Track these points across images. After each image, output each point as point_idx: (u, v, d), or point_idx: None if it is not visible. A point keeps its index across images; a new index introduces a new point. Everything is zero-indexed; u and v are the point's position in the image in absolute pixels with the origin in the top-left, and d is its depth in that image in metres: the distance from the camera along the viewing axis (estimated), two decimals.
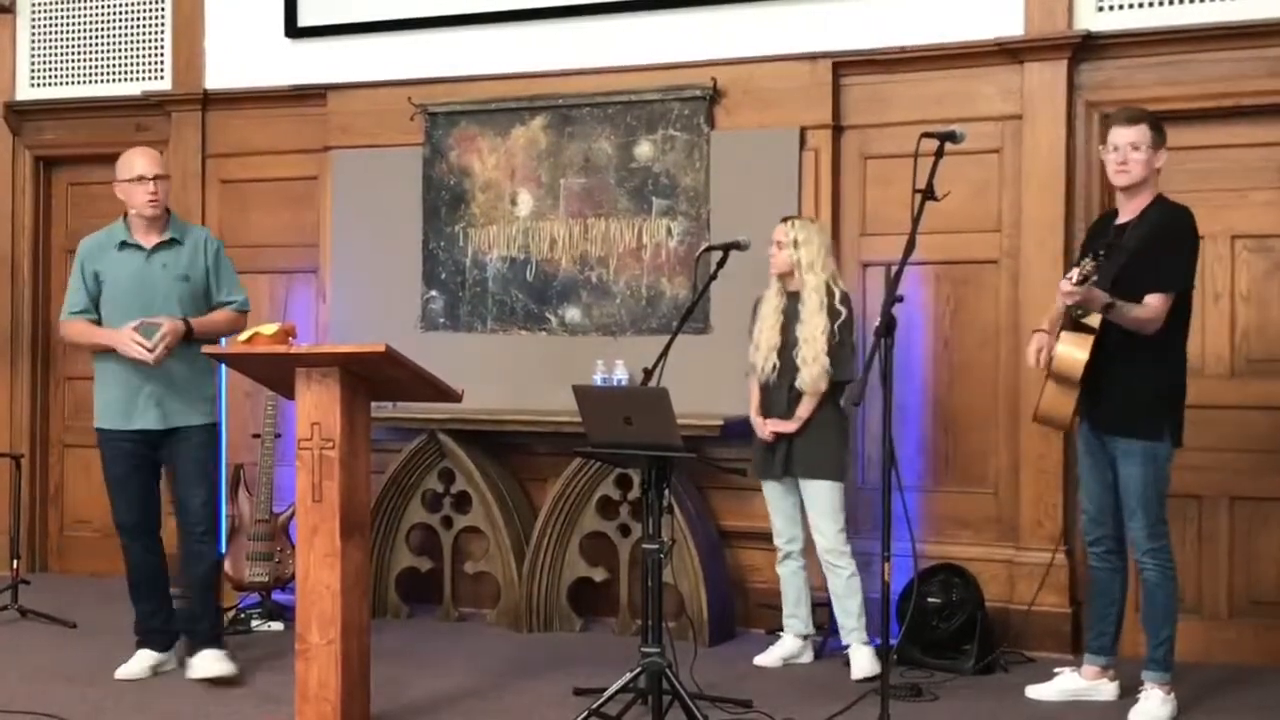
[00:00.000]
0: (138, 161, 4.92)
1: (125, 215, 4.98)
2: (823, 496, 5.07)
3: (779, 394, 5.13)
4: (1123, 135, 4.45)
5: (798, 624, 5.23)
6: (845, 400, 4.79)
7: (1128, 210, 4.52)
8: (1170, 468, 4.50)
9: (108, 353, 4.86)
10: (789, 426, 5.08)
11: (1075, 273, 4.17)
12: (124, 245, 4.94)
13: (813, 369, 5.00)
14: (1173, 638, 4.49)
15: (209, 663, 4.86)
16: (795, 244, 5.08)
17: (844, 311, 5.06)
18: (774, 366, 5.12)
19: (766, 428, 5.14)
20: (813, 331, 5.01)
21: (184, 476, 4.97)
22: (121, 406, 4.87)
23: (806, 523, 5.19)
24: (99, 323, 4.91)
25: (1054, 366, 4.44)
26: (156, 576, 5.02)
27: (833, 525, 5.05)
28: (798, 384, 5.05)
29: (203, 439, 4.99)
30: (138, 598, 5.01)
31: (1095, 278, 4.16)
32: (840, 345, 5.03)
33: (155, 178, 4.90)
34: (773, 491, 5.22)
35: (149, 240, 4.93)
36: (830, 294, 5.05)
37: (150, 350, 4.69)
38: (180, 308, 4.87)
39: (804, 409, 5.06)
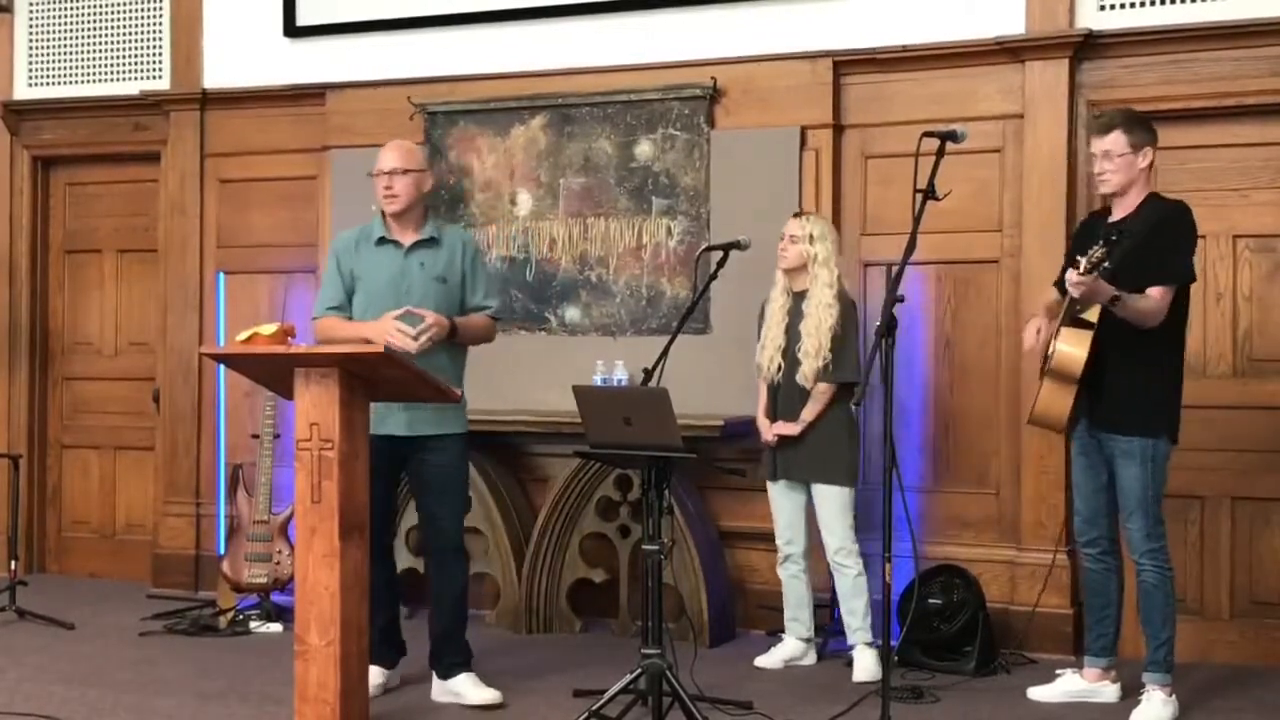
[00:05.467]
0: (381, 156, 4.70)
1: (382, 212, 4.75)
2: (833, 500, 5.05)
3: (786, 395, 5.10)
4: (1096, 145, 4.48)
5: (799, 627, 5.21)
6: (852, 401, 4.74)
7: (1120, 209, 4.52)
8: (1168, 467, 4.49)
9: None
10: (792, 429, 5.06)
11: (1083, 262, 4.15)
12: (382, 241, 4.71)
13: (814, 362, 4.97)
14: (1172, 639, 4.48)
15: (472, 688, 4.68)
16: (811, 239, 5.05)
17: (850, 311, 5.04)
18: (779, 367, 5.10)
19: (770, 432, 5.13)
20: (818, 325, 4.98)
21: (435, 489, 4.70)
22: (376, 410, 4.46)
23: (809, 527, 5.17)
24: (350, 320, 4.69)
25: (1053, 364, 4.42)
26: (382, 590, 4.63)
27: (842, 526, 5.04)
28: (798, 378, 5.02)
29: (456, 449, 4.73)
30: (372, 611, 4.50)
31: (1107, 264, 4.13)
32: (843, 345, 5.01)
33: (390, 172, 4.65)
34: (778, 493, 5.19)
35: (406, 237, 4.70)
36: (840, 293, 5.03)
37: (414, 339, 4.41)
38: (435, 309, 4.59)
39: (809, 411, 5.03)
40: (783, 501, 5.19)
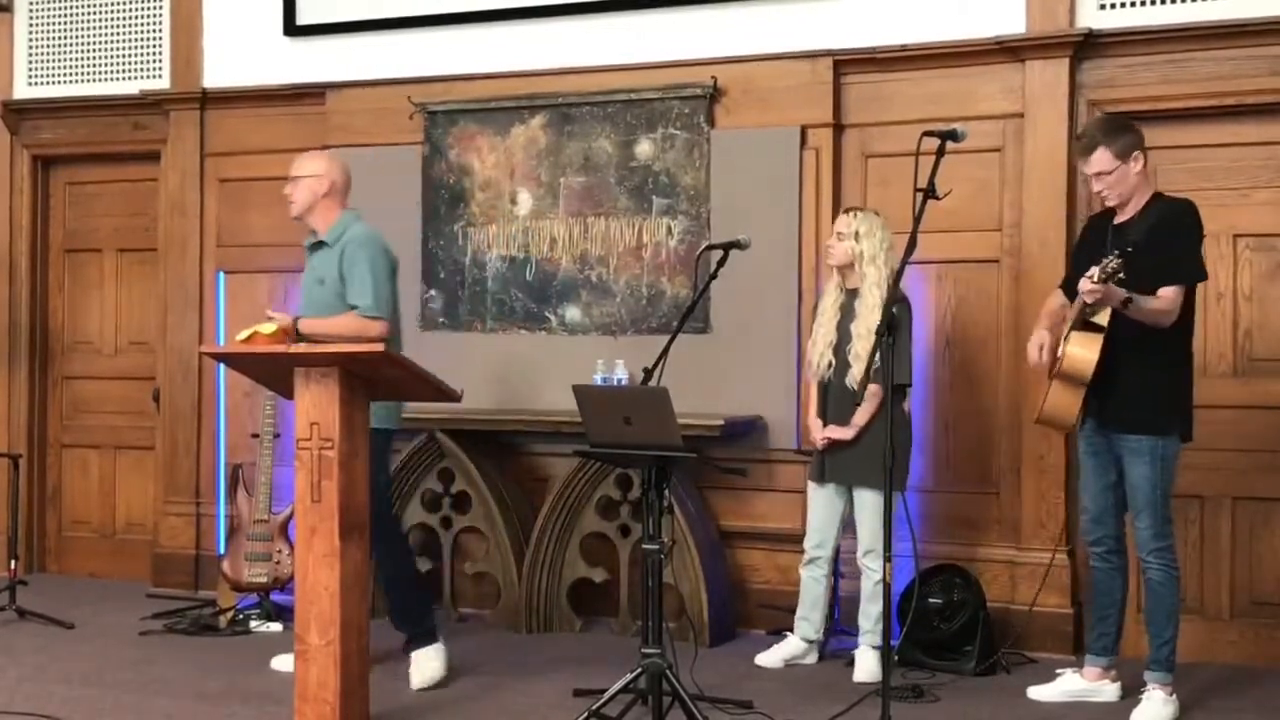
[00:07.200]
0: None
1: None
2: (874, 503, 4.93)
3: (837, 396, 5.04)
4: (1085, 168, 4.51)
5: (808, 628, 5.19)
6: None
7: (1127, 210, 4.51)
8: (1177, 466, 4.49)
9: None
10: (845, 434, 4.99)
11: (1097, 271, 4.14)
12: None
13: (864, 365, 4.75)
14: (1175, 638, 4.48)
15: (414, 668, 4.89)
16: (857, 236, 4.99)
17: (902, 311, 4.86)
18: (829, 364, 5.04)
19: (821, 434, 5.05)
20: (867, 327, 4.84)
21: None
22: None
23: (840, 530, 5.14)
24: None
25: (1063, 366, 4.42)
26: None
27: (878, 529, 4.93)
28: (847, 381, 4.95)
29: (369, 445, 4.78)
30: None
31: (1122, 275, 4.12)
32: (895, 347, 4.89)
33: (287, 178, 5.00)
34: (818, 495, 5.13)
35: (311, 240, 5.00)
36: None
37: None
38: (319, 313, 4.81)
39: (861, 415, 4.93)
40: (821, 505, 5.13)
